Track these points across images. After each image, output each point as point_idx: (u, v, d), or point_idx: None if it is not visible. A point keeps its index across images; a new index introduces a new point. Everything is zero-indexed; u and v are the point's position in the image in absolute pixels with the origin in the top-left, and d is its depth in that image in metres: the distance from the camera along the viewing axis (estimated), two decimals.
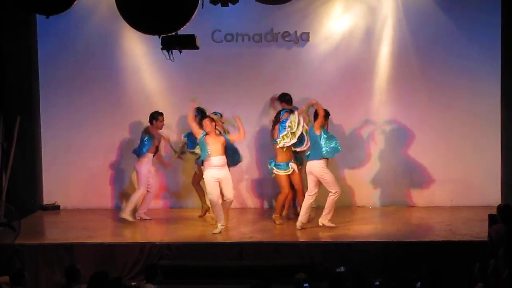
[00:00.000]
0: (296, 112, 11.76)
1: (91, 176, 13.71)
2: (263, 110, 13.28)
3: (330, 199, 11.47)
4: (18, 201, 12.31)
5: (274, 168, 11.83)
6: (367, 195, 13.51)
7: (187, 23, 9.93)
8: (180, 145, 12.57)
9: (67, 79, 13.65)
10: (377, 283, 8.52)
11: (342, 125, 13.36)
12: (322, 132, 11.36)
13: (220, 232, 11.37)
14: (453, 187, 13.29)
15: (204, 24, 12.37)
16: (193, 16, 9.88)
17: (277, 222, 11.91)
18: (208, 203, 12.08)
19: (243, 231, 11.67)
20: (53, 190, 13.77)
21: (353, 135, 13.44)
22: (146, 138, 12.41)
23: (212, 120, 11.59)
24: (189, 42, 10.73)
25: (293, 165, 11.88)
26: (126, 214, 12.34)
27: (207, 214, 12.48)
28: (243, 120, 11.77)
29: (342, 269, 8.64)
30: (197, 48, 10.95)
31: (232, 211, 12.54)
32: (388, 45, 13.32)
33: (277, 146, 11.75)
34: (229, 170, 11.57)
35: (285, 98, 12.48)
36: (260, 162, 13.47)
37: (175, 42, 10.64)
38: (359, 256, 10.40)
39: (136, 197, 12.46)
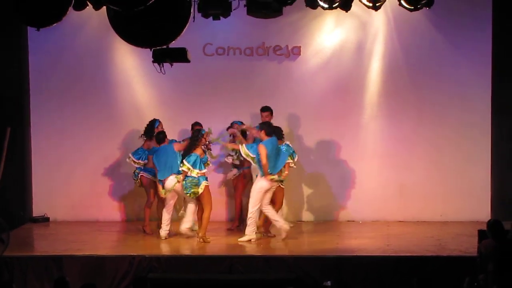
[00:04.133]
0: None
1: (81, 188, 13.65)
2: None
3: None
4: (7, 212, 12.26)
5: None
6: (357, 209, 13.48)
7: (179, 36, 9.97)
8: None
9: (58, 90, 13.63)
10: None
11: (332, 139, 13.39)
12: None
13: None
14: (442, 201, 13.29)
15: (195, 37, 12.40)
16: (184, 29, 9.92)
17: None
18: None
19: (232, 243, 11.66)
20: (42, 202, 13.70)
21: (343, 149, 13.44)
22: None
23: None
24: (180, 55, 10.76)
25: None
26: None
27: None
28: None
29: (329, 283, 8.63)
30: (188, 61, 10.97)
31: (222, 224, 12.79)
32: (379, 60, 13.36)
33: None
34: None
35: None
36: None
37: (166, 55, 10.66)
38: (348, 270, 10.36)
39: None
